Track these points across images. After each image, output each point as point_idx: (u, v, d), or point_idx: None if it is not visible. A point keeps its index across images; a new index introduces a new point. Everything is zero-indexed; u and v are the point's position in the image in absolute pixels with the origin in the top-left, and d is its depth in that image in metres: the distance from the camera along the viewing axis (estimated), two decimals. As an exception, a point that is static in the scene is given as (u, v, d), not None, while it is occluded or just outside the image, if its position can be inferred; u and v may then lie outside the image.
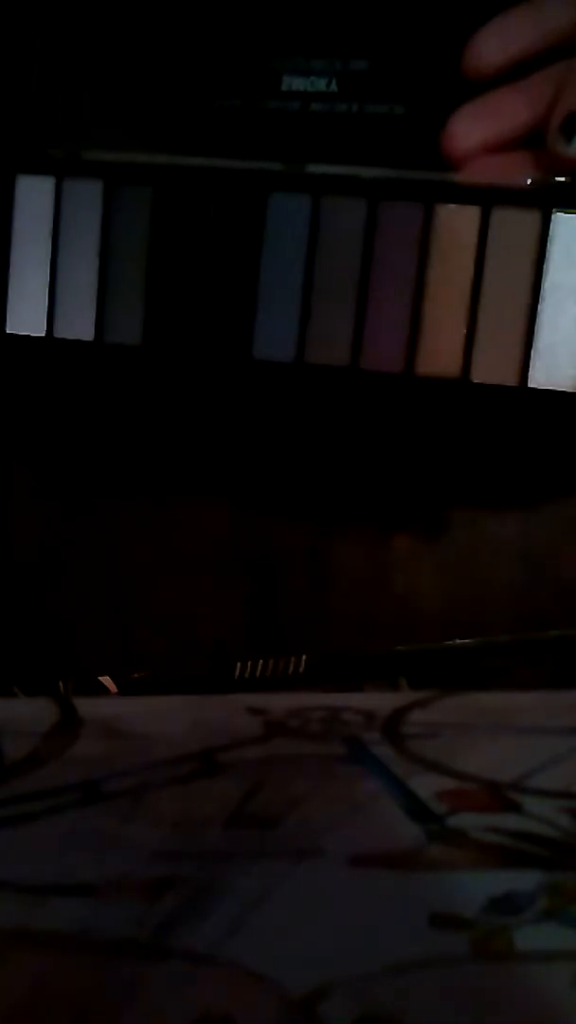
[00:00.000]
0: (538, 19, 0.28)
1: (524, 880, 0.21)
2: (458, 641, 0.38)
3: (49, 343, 0.32)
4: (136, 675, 0.38)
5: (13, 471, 0.40)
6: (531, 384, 0.29)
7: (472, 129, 0.29)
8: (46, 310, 0.32)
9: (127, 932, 0.20)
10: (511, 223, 0.30)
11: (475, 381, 0.30)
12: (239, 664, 0.38)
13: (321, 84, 0.32)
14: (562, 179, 0.29)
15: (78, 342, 0.32)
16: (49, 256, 0.32)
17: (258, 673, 0.38)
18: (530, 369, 0.29)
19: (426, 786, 0.27)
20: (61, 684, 0.38)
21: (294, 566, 0.39)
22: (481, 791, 0.27)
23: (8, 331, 0.32)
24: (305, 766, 0.28)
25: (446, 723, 0.32)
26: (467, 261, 0.30)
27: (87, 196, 0.32)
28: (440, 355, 0.30)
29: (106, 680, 0.38)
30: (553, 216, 0.29)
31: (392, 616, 0.39)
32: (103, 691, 0.38)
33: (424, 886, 0.21)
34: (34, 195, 0.32)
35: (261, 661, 0.38)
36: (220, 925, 0.20)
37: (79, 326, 0.32)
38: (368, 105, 0.31)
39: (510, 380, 0.29)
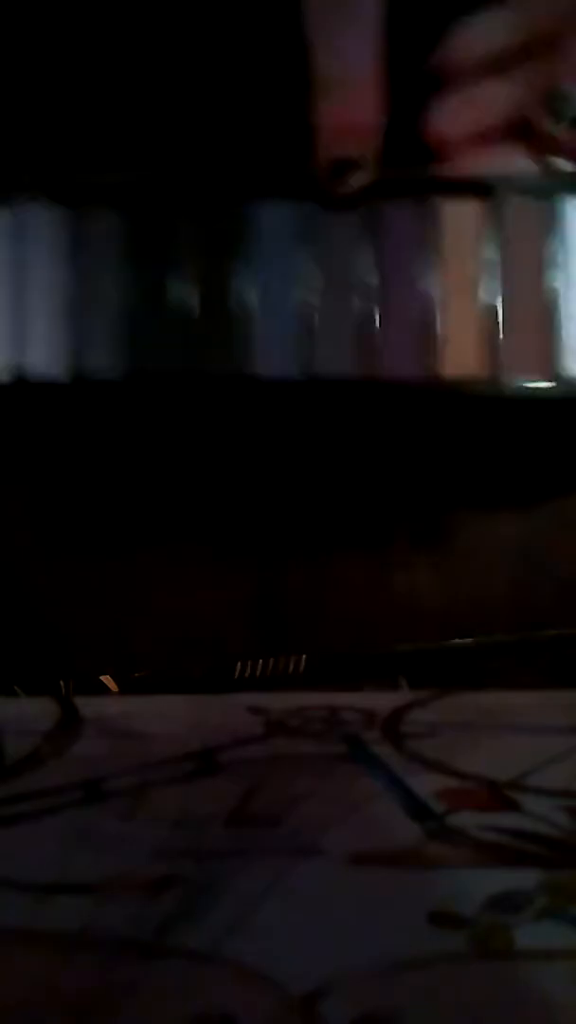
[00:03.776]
0: (510, 18, 0.28)
1: (523, 879, 0.21)
2: (458, 641, 0.38)
3: (18, 387, 0.30)
4: (136, 675, 0.38)
5: (13, 471, 0.40)
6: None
7: (457, 117, 0.29)
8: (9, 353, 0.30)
9: (127, 931, 0.20)
10: (518, 212, 0.29)
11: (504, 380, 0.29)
12: (239, 664, 0.38)
13: None
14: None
15: (51, 384, 0.30)
16: (8, 295, 0.30)
17: (258, 673, 0.38)
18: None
19: (426, 785, 0.27)
20: (62, 683, 0.38)
21: (294, 566, 0.39)
22: (480, 790, 0.27)
23: None
24: (305, 765, 0.28)
25: (445, 722, 0.32)
26: (478, 255, 0.29)
27: (49, 223, 0.30)
28: (464, 356, 0.29)
29: (107, 679, 0.38)
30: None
31: (392, 616, 0.39)
32: (104, 690, 0.38)
33: (423, 884, 0.21)
34: None
35: (261, 661, 0.38)
36: (220, 924, 0.20)
37: (47, 364, 0.30)
38: None
39: (541, 376, 0.29)
